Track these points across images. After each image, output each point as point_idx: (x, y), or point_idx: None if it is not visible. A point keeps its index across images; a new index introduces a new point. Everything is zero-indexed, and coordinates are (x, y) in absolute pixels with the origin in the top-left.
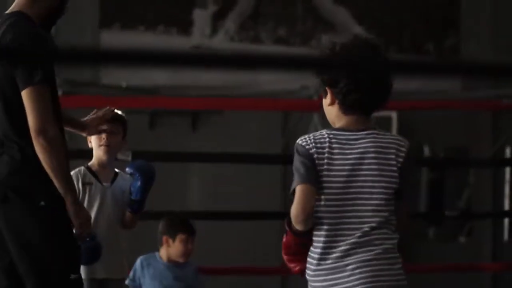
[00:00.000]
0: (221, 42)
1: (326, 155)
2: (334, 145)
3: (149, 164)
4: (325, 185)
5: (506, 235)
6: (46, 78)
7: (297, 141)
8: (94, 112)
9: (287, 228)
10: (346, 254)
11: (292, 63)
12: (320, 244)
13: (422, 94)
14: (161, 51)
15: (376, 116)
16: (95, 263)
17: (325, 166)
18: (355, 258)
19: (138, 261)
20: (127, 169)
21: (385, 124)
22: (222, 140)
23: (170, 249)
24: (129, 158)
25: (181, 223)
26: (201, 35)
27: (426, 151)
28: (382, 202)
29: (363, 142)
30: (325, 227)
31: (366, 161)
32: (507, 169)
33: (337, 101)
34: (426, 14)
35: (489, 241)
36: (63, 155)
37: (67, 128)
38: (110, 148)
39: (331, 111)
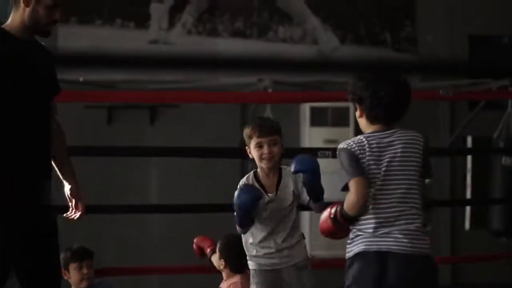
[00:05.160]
0: (178, 36)
1: (367, 152)
2: (372, 142)
3: (309, 159)
4: (370, 176)
5: (467, 224)
6: None
7: (340, 146)
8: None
9: (333, 216)
10: (378, 228)
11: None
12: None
13: None
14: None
15: (334, 107)
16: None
17: (367, 161)
18: (396, 227)
19: None
20: (292, 170)
21: (343, 115)
22: (180, 133)
23: (72, 281)
24: None
25: (71, 254)
26: (158, 28)
27: None
28: (414, 185)
29: (391, 138)
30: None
31: (393, 151)
32: (469, 159)
33: (364, 114)
34: (383, 5)
35: (448, 230)
36: None
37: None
38: (272, 159)
39: (361, 121)
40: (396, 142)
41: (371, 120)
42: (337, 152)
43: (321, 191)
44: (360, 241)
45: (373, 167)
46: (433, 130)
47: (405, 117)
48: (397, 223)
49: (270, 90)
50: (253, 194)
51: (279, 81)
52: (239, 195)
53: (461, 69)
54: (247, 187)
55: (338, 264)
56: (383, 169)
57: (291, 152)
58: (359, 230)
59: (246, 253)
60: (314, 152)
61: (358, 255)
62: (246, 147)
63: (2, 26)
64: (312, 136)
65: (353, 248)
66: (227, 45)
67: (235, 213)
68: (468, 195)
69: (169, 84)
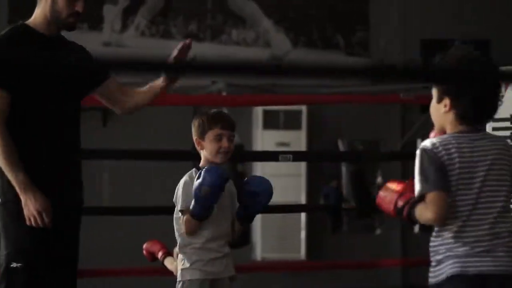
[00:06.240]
0: (131, 38)
1: (456, 158)
2: (462, 146)
3: (267, 181)
4: (460, 186)
5: (417, 227)
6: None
7: (423, 146)
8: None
9: (399, 209)
10: (475, 245)
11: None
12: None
13: (331, 87)
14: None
15: (286, 109)
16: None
17: (458, 169)
18: (496, 245)
19: None
20: (247, 187)
21: (295, 118)
22: (133, 135)
23: None
24: None
25: None
26: (111, 30)
27: (340, 145)
28: (509, 197)
29: (483, 142)
30: (456, 219)
31: (490, 159)
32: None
33: (454, 110)
34: (335, 8)
35: (398, 233)
36: (7, 151)
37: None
38: (228, 154)
39: (444, 116)
40: (490, 149)
41: (463, 120)
42: (418, 152)
43: (254, 217)
44: (451, 261)
45: (466, 176)
46: (385, 133)
47: (357, 119)
48: (496, 241)
49: (224, 93)
50: (223, 173)
51: (233, 84)
52: (208, 174)
53: (415, 73)
54: (214, 168)
55: (289, 267)
56: (479, 179)
57: (251, 155)
58: (449, 249)
59: (181, 261)
60: (275, 155)
61: (451, 279)
62: (196, 139)
63: (26, 22)
64: (264, 139)
65: (443, 270)
66: None
67: (193, 203)
68: None
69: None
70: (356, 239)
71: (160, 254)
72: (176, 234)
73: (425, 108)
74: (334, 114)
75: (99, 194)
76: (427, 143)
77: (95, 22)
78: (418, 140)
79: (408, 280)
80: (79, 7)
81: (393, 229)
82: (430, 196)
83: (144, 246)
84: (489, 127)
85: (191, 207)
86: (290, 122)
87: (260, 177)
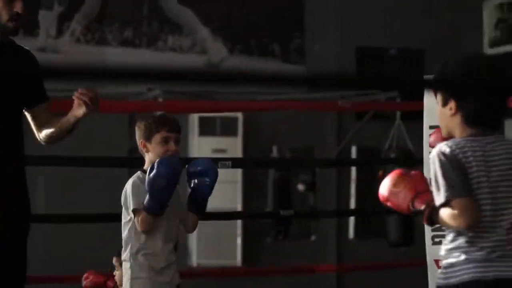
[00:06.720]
0: (66, 44)
1: (472, 162)
2: (476, 149)
3: (211, 161)
4: (477, 190)
5: (351, 233)
6: None
7: (440, 149)
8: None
9: (415, 211)
10: (492, 250)
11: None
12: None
13: (267, 94)
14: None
15: (222, 116)
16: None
17: (475, 172)
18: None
19: None
20: (192, 169)
21: (231, 125)
22: (66, 141)
23: None
24: None
25: None
26: (46, 36)
27: (275, 151)
28: None
29: (494, 145)
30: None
31: (504, 164)
32: (353, 169)
33: (460, 113)
34: (272, 16)
35: (333, 239)
36: None
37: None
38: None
39: (451, 120)
40: (503, 153)
41: (471, 122)
42: (434, 157)
43: (206, 202)
44: (467, 266)
45: (482, 179)
46: (320, 140)
47: (293, 126)
48: (511, 247)
49: (160, 99)
50: (177, 163)
51: (169, 91)
52: (163, 166)
53: (349, 82)
54: (167, 159)
55: (225, 273)
56: (494, 184)
57: (189, 161)
58: (465, 253)
59: (128, 269)
60: (214, 161)
61: (468, 284)
62: (142, 141)
63: None
64: (200, 146)
65: (457, 273)
66: (116, 54)
67: (147, 198)
68: (352, 205)
69: (56, 92)
70: (291, 245)
71: (109, 284)
72: (124, 240)
73: (360, 115)
74: (270, 121)
75: (34, 200)
76: (442, 147)
77: (30, 27)
78: (353, 147)
79: (343, 285)
80: (17, 8)
81: (328, 235)
82: (460, 203)
83: (84, 284)
84: None
85: (145, 202)
86: (226, 128)
87: (202, 158)
